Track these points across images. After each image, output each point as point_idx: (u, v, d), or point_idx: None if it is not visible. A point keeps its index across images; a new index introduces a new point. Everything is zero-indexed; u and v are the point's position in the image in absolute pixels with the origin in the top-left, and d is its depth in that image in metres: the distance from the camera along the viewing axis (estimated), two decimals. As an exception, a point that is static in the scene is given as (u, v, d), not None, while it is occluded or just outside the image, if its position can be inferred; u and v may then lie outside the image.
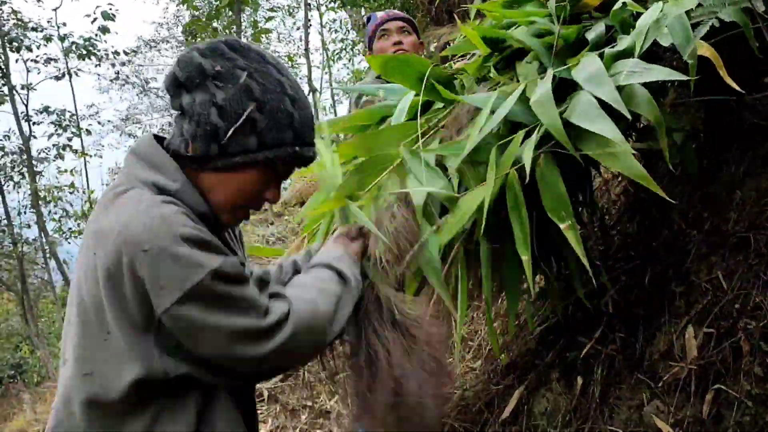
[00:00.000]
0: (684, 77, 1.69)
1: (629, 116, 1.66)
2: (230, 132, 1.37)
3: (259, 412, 4.02)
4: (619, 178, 3.19)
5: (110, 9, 13.89)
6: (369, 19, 3.39)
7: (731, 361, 2.21)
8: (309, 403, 4.01)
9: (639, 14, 2.01)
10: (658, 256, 2.68)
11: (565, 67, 2.01)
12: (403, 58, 2.20)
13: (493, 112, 1.92)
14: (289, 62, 14.43)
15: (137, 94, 23.92)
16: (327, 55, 18.17)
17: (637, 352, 2.51)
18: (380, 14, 3.33)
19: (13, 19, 15.34)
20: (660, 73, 1.70)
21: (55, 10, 16.99)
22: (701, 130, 2.70)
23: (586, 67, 1.89)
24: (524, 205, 1.84)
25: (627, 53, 1.90)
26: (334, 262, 1.64)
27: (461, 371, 3.78)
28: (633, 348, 2.54)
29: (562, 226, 1.76)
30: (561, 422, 2.62)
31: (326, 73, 20.31)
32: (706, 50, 1.83)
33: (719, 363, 2.23)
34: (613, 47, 2.00)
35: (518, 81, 2.12)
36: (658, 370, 2.40)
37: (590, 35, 2.15)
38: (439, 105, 2.30)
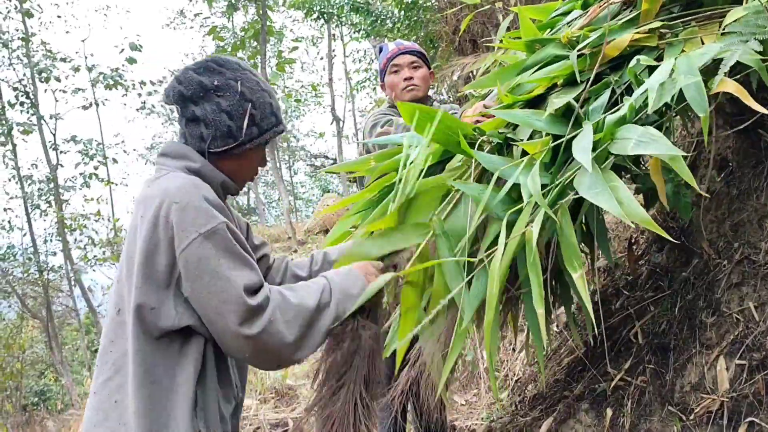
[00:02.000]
0: (682, 153, 1.78)
1: (588, 165, 1.82)
2: (240, 128, 1.81)
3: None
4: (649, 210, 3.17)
5: (137, 40, 14.12)
6: (381, 49, 3.43)
7: (764, 394, 2.18)
8: (334, 433, 3.98)
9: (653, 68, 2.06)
10: (687, 286, 2.65)
11: (570, 135, 2.09)
12: (431, 111, 2.24)
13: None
14: (313, 91, 14.57)
15: (162, 123, 24.24)
16: (350, 84, 18.31)
17: (668, 383, 2.48)
18: (391, 46, 3.36)
19: (43, 50, 15.65)
20: (664, 147, 1.80)
21: (83, 41, 17.32)
22: (731, 159, 2.69)
23: (582, 140, 1.97)
24: (539, 264, 1.93)
25: (626, 117, 1.98)
26: (334, 287, 1.87)
27: (487, 402, 3.76)
28: (663, 379, 2.51)
29: (574, 275, 1.87)
30: (590, 455, 2.59)
31: (349, 102, 20.47)
32: (729, 86, 1.88)
33: (752, 395, 2.20)
34: (617, 110, 2.05)
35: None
36: (689, 402, 2.38)
37: (593, 104, 2.20)
38: (458, 159, 2.39)
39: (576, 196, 1.94)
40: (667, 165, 1.88)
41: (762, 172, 2.52)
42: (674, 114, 2.07)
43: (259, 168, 2.00)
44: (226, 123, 1.79)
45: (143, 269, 1.63)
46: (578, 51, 2.33)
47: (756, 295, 2.36)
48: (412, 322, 2.11)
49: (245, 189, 26.25)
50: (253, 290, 1.67)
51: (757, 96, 2.36)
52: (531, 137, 2.29)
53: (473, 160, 2.26)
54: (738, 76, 1.98)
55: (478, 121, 2.54)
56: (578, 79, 2.26)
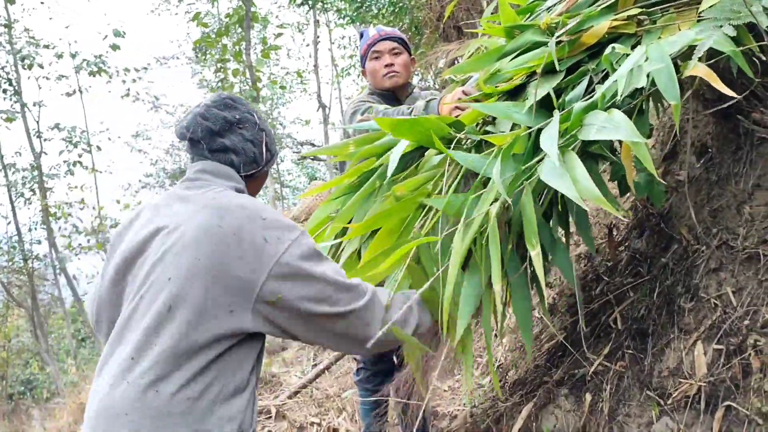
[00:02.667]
0: (643, 140, 1.80)
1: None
2: (261, 154, 2.11)
3: (267, 429, 4.01)
4: (628, 195, 3.17)
5: (121, 27, 14.00)
6: (362, 35, 3.40)
7: (741, 378, 2.19)
8: (317, 420, 3.99)
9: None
10: (666, 271, 2.66)
11: (539, 125, 2.11)
12: (412, 121, 2.25)
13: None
14: (299, 78, 14.49)
15: (147, 111, 24.00)
16: (336, 71, 18.24)
17: (646, 368, 2.49)
18: (372, 32, 3.34)
19: (26, 36, 15.50)
20: (625, 132, 1.82)
21: (66, 27, 17.16)
22: (710, 144, 2.69)
23: (549, 130, 1.99)
24: (498, 241, 1.99)
25: (596, 105, 2.00)
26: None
27: (469, 388, 3.76)
28: (642, 364, 2.52)
29: (532, 253, 1.91)
30: (569, 440, 2.60)
31: (335, 88, 20.40)
32: (700, 70, 1.89)
33: (729, 380, 2.22)
34: (591, 97, 2.06)
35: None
36: (668, 387, 2.39)
37: (570, 95, 2.21)
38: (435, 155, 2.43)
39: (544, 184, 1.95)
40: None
41: (741, 158, 2.53)
42: (645, 98, 2.07)
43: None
44: (252, 150, 2.08)
45: (226, 275, 1.77)
46: (557, 38, 2.32)
47: (734, 281, 2.37)
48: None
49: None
50: (343, 275, 1.97)
51: (736, 81, 2.37)
52: (512, 129, 2.29)
53: (447, 162, 2.28)
54: (712, 61, 1.97)
55: (456, 108, 2.53)
56: (557, 68, 2.26)
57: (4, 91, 14.87)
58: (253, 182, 2.16)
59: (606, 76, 2.16)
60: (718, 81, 1.84)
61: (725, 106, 1.89)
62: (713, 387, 2.25)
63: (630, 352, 2.59)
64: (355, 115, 3.12)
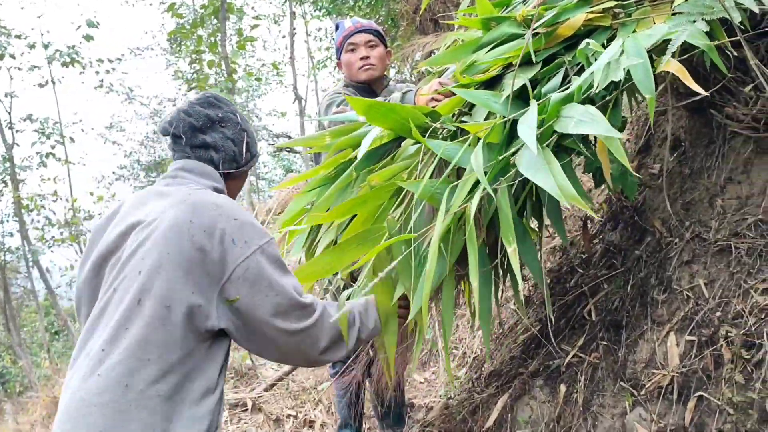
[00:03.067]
0: (618, 134, 1.82)
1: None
2: (241, 154, 2.14)
3: (243, 422, 4.00)
4: (603, 187, 3.20)
5: (94, 17, 13.81)
6: (338, 27, 3.38)
7: (713, 369, 2.22)
8: (293, 413, 3.99)
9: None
10: (640, 263, 2.69)
11: (513, 115, 2.11)
12: (388, 107, 2.24)
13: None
14: (275, 70, 14.39)
15: (121, 102, 23.69)
16: (312, 63, 18.14)
17: (620, 359, 2.52)
18: (348, 24, 3.31)
19: (-3, 26, 15.22)
20: (601, 127, 1.83)
21: (39, 17, 16.91)
22: (683, 138, 2.72)
23: (527, 119, 1.99)
24: (476, 238, 2.00)
25: (573, 97, 2.01)
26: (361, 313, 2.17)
27: (445, 379, 3.78)
28: (616, 356, 2.54)
29: (509, 249, 1.91)
30: (544, 430, 2.62)
31: (312, 81, 20.30)
32: (673, 66, 1.90)
33: (701, 371, 2.25)
34: (566, 89, 2.07)
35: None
36: (641, 377, 2.42)
37: (546, 86, 2.22)
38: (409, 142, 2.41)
39: (521, 176, 1.95)
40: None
41: (714, 152, 2.56)
42: (621, 92, 2.08)
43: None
44: (232, 149, 2.12)
45: (195, 270, 1.79)
46: (533, 30, 2.33)
47: (706, 273, 2.40)
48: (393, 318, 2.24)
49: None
50: (300, 293, 1.95)
51: (710, 76, 2.40)
52: (487, 119, 2.30)
53: (423, 151, 2.28)
54: (686, 56, 1.99)
55: (433, 99, 2.53)
56: (533, 59, 2.27)
57: (-23, 81, 14.64)
58: (232, 181, 2.18)
59: (581, 69, 2.17)
60: (689, 77, 1.86)
61: (696, 99, 1.90)
62: (686, 377, 2.28)
63: (604, 343, 2.61)
64: (330, 108, 3.11)
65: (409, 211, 2.17)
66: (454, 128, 2.35)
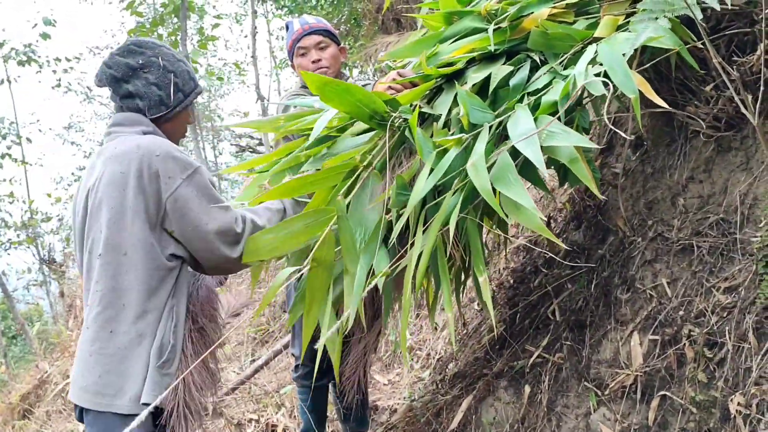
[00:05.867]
0: (594, 146, 1.87)
1: (546, 176, 1.84)
2: (169, 96, 2.18)
3: (204, 426, 3.93)
4: (565, 187, 3.20)
5: (51, 15, 13.53)
6: (287, 27, 3.30)
7: (676, 368, 2.23)
8: (255, 417, 3.92)
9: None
10: (603, 263, 2.69)
11: (501, 118, 2.09)
12: (344, 86, 2.18)
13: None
14: (237, 69, 14.25)
15: (80, 102, 23.30)
16: (275, 62, 18.02)
17: (584, 359, 2.51)
18: (296, 26, 3.22)
19: (-51, 24, 14.88)
20: (575, 139, 1.86)
21: (-7, 15, 16.55)
22: (645, 137, 2.72)
23: (519, 124, 1.97)
24: (446, 268, 2.07)
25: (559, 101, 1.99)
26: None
27: (409, 381, 3.75)
28: (580, 356, 2.54)
29: (480, 279, 1.98)
30: (509, 431, 2.61)
31: (274, 80, 20.17)
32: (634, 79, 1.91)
33: (664, 370, 2.25)
34: (547, 92, 2.05)
35: (450, 126, 2.26)
36: (605, 377, 2.41)
37: (514, 79, 2.20)
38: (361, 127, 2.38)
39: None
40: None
41: (675, 151, 2.56)
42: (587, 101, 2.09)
43: (188, 126, 2.40)
44: (157, 93, 2.16)
45: (140, 214, 1.99)
46: (496, 24, 2.31)
47: (668, 272, 2.40)
48: (316, 312, 2.20)
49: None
50: (233, 219, 2.09)
51: (673, 76, 2.41)
52: (450, 111, 2.27)
53: (381, 135, 2.23)
54: (656, 60, 2.00)
55: (390, 87, 2.49)
56: (492, 50, 2.26)
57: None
58: (168, 124, 2.26)
59: (543, 63, 2.18)
60: (651, 91, 1.88)
61: (660, 106, 1.89)
62: (649, 377, 2.28)
63: (568, 343, 2.61)
64: (288, 109, 3.06)
65: (359, 192, 2.14)
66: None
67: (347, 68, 7.64)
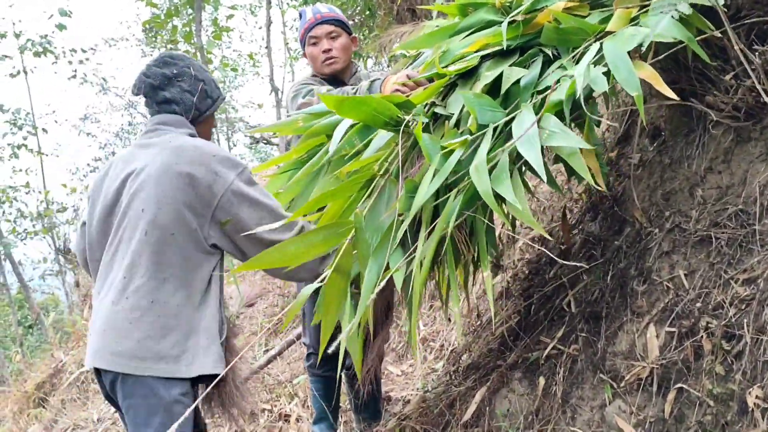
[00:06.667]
0: (590, 146, 1.88)
1: (545, 179, 1.91)
2: (200, 101, 2.43)
3: (216, 416, 3.93)
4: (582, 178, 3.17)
5: (67, 6, 13.57)
6: (301, 15, 3.29)
7: (693, 361, 2.20)
8: (268, 407, 3.92)
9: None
10: (619, 254, 2.66)
11: (507, 118, 2.09)
12: (359, 100, 2.20)
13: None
14: (250, 60, 14.25)
15: (96, 93, 23.41)
16: (289, 53, 18.01)
17: (599, 351, 2.49)
18: (309, 15, 3.23)
19: (-34, 15, 14.95)
20: (573, 141, 1.88)
21: (10, 6, 16.62)
22: (663, 127, 2.69)
23: (523, 125, 1.98)
24: (453, 264, 2.14)
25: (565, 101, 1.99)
26: None
27: (423, 372, 3.74)
28: (595, 347, 2.51)
29: (484, 274, 2.03)
30: (523, 423, 2.59)
31: (288, 72, 20.17)
32: (645, 72, 1.91)
33: (681, 362, 2.22)
34: (555, 90, 2.04)
35: (459, 125, 2.26)
36: (620, 369, 2.39)
37: (525, 78, 2.18)
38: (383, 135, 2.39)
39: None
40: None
41: (693, 141, 2.53)
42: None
43: (213, 129, 2.65)
44: (190, 99, 2.41)
45: (190, 205, 2.18)
46: (510, 17, 2.29)
47: (686, 263, 2.37)
48: (334, 316, 2.31)
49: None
50: (281, 208, 2.32)
51: (690, 64, 2.37)
52: (462, 110, 2.25)
53: (397, 140, 2.23)
54: (671, 50, 1.97)
55: (398, 90, 2.48)
56: (504, 47, 2.24)
57: (-55, 70, 14.36)
58: (200, 126, 2.49)
59: (557, 58, 2.16)
60: (662, 83, 1.87)
61: (677, 89, 1.87)
62: (665, 369, 2.25)
63: (583, 335, 2.58)
64: (296, 99, 3.05)
65: (375, 201, 2.16)
66: (428, 120, 2.31)
67: (360, 59, 7.59)
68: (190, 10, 11.37)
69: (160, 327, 2.14)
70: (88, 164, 24.57)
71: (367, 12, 7.99)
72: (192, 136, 2.39)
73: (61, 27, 13.85)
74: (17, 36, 15.14)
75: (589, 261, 2.77)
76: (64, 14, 13.51)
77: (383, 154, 2.32)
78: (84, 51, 15.83)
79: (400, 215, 2.14)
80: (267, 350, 5.08)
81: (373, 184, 2.26)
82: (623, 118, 2.98)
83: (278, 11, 17.42)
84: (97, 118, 24.71)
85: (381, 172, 2.27)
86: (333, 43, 3.17)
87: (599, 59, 1.95)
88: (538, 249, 3.24)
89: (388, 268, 2.11)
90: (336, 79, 3.21)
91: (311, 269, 2.31)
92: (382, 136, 2.37)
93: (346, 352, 2.77)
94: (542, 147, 1.90)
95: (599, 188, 1.97)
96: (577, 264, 2.79)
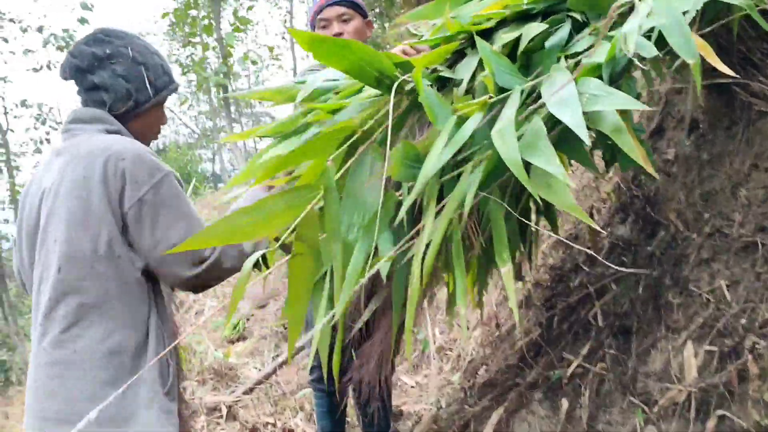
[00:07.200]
0: (644, 107, 1.50)
1: (589, 144, 1.55)
2: (138, 90, 2.01)
3: (218, 429, 3.76)
4: (610, 174, 2.92)
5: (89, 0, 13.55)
6: None
7: (736, 385, 1.98)
8: (272, 421, 3.73)
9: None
10: (653, 261, 2.44)
11: (534, 81, 1.78)
12: (342, 42, 1.86)
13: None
14: (270, 52, 14.16)
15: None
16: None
17: (630, 371, 2.28)
18: None
19: (-10, 10, 15.11)
20: (622, 101, 1.56)
21: (35, 0, 16.72)
22: (701, 119, 2.45)
23: (555, 85, 1.67)
24: (462, 256, 1.74)
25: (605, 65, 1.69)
26: None
27: (438, 384, 3.51)
28: (625, 366, 2.31)
29: (502, 270, 1.66)
30: (544, 450, 2.38)
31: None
32: (697, 42, 1.63)
33: (723, 386, 2.01)
34: (589, 54, 1.75)
35: (474, 93, 1.91)
36: (653, 392, 2.18)
37: (551, 40, 1.89)
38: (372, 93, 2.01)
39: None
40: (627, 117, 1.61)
41: (736, 135, 2.31)
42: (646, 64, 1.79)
43: (161, 126, 2.20)
44: (124, 86, 1.98)
45: (106, 223, 1.80)
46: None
47: (728, 273, 2.15)
48: (302, 308, 1.85)
49: (211, 155, 26.01)
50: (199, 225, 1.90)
51: (733, 48, 2.13)
52: (474, 77, 1.98)
53: (387, 101, 1.89)
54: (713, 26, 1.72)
55: (404, 51, 2.22)
56: (526, 8, 1.96)
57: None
58: (137, 121, 2.07)
59: (584, 25, 1.89)
60: (714, 56, 1.59)
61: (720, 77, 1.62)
62: (705, 394, 2.04)
63: (612, 352, 2.38)
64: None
65: (355, 165, 1.81)
66: (431, 83, 2.02)
67: (380, 49, 7.37)
68: (210, 2, 11.27)
69: (89, 382, 1.79)
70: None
71: (387, 1, 7.78)
72: (114, 132, 1.99)
73: (83, 21, 13.86)
74: (40, 31, 15.21)
75: (619, 268, 2.53)
76: (86, 8, 13.51)
77: (367, 110, 1.98)
78: (107, 45, 15.84)
79: (390, 189, 1.82)
80: (276, 356, 4.90)
81: (351, 141, 1.83)
82: (656, 107, 2.73)
83: (302, 4, 17.32)
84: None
85: (364, 129, 1.90)
86: (345, 26, 2.92)
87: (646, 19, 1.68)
88: (562, 253, 2.99)
89: (376, 253, 1.80)
90: None
91: (238, 255, 1.93)
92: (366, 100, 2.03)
93: (351, 362, 2.54)
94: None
95: (646, 181, 1.65)
96: (606, 270, 2.55)
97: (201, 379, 4.42)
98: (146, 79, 2.03)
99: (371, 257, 1.74)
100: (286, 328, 5.23)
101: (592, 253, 2.71)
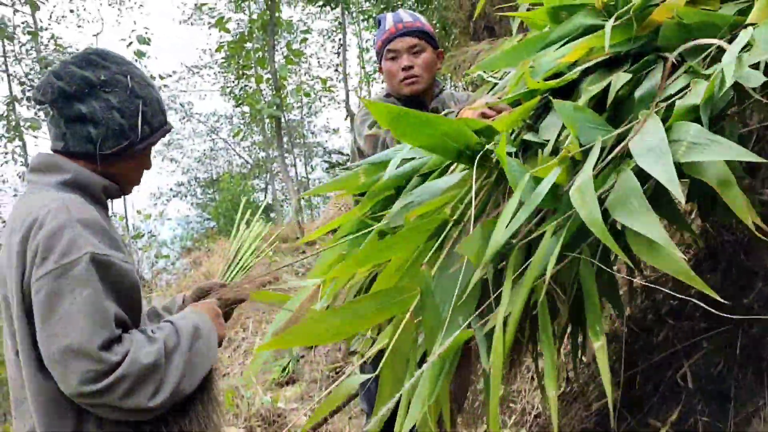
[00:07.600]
0: (757, 158, 1.35)
1: (684, 203, 1.50)
2: (133, 127, 1.70)
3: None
4: (692, 215, 2.65)
5: (146, 33, 13.71)
6: (379, 23, 2.84)
7: None
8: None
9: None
10: (751, 315, 2.15)
11: (617, 132, 1.61)
12: (423, 118, 1.68)
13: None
14: (323, 85, 14.14)
15: (180, 120, 24.12)
16: (366, 78, 17.88)
17: (728, 442, 2.00)
18: (389, 23, 2.76)
19: (53, 44, 15.46)
20: (729, 150, 1.37)
21: (95, 35, 17.06)
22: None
23: (646, 138, 1.48)
24: (550, 331, 1.60)
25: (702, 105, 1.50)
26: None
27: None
28: (722, 437, 2.02)
29: (596, 345, 1.49)
30: None
31: (365, 95, 20.15)
32: None
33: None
34: (683, 96, 1.56)
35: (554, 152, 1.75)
36: (757, 468, 1.91)
37: (642, 88, 1.70)
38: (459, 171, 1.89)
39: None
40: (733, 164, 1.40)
41: None
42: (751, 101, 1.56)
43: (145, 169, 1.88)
44: (118, 121, 1.69)
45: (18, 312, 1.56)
46: (616, 19, 1.79)
47: None
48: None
49: (263, 185, 26.07)
50: (103, 341, 1.48)
51: None
52: (559, 135, 1.76)
53: (474, 174, 1.71)
54: None
55: (483, 114, 2.00)
56: (606, 48, 1.74)
57: (29, 99, 14.82)
58: (122, 163, 1.75)
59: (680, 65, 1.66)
60: None
61: None
62: (819, 473, 1.76)
63: (705, 419, 2.11)
64: (363, 126, 2.64)
65: (447, 258, 1.64)
66: (515, 149, 1.82)
67: (444, 79, 7.16)
68: (264, 35, 11.30)
69: None
70: (171, 189, 25.35)
71: (442, 30, 7.63)
72: (66, 184, 1.65)
73: (139, 54, 13.99)
74: (97, 63, 15.50)
75: (710, 323, 2.26)
76: (143, 42, 13.64)
77: (456, 193, 1.82)
78: (162, 77, 16.02)
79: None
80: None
81: (445, 233, 1.71)
82: (749, 144, 2.46)
83: (353, 35, 17.37)
84: (181, 144, 25.54)
85: (455, 218, 1.75)
86: (415, 59, 2.71)
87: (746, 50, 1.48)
88: (641, 302, 2.71)
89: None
90: (415, 101, 2.75)
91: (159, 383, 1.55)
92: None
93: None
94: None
95: (753, 230, 1.41)
96: (696, 324, 2.28)
97: (248, 426, 4.20)
98: (143, 115, 1.73)
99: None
100: (337, 372, 5.02)
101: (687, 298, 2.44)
